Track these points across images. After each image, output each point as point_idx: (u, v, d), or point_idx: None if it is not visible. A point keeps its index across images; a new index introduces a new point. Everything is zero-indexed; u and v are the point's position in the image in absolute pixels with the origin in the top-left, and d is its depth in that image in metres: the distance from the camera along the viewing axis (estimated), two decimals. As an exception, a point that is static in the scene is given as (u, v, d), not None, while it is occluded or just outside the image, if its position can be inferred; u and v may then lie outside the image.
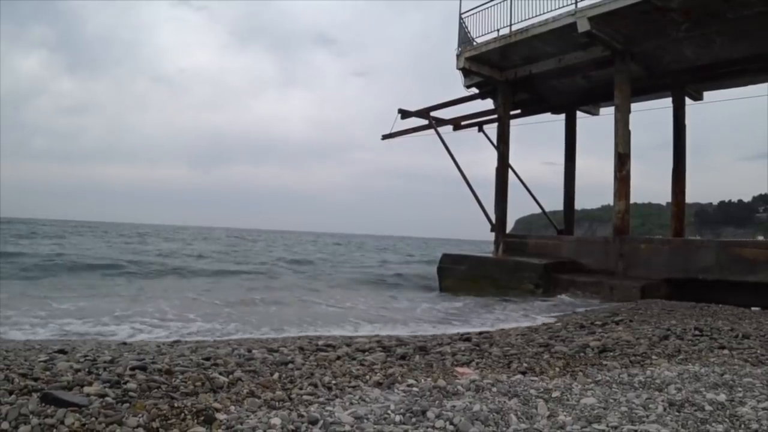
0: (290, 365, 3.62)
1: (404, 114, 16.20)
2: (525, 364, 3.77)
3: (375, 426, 2.23)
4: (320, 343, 4.80)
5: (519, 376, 3.35)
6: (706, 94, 14.30)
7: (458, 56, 13.50)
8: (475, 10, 13.19)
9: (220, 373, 3.20)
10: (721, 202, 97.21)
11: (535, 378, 3.29)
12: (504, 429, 2.23)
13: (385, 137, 17.16)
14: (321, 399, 2.71)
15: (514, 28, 12.17)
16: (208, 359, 3.66)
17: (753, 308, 7.70)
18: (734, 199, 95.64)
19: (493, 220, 14.25)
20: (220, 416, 2.31)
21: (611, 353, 4.18)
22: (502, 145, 14.25)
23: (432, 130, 15.79)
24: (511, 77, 13.75)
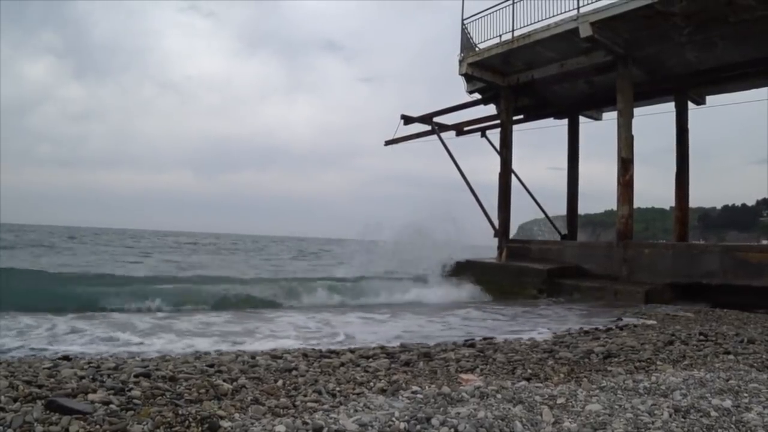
0: (294, 372, 3.62)
1: (407, 120, 16.23)
2: (529, 371, 3.75)
3: (379, 433, 2.22)
4: (324, 349, 4.79)
5: (523, 382, 3.33)
6: (709, 99, 14.29)
7: (461, 62, 13.53)
8: (477, 16, 13.24)
9: (224, 380, 3.20)
10: (725, 206, 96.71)
11: (540, 384, 3.28)
12: (509, 436, 2.22)
13: (387, 143, 17.18)
14: (325, 406, 2.71)
15: (517, 33, 12.20)
16: (211, 366, 3.67)
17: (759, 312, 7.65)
18: (738, 203, 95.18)
19: (497, 226, 14.23)
20: (225, 424, 2.30)
21: (616, 359, 4.16)
22: (505, 150, 14.26)
23: (435, 136, 15.83)
24: (513, 82, 13.77)
